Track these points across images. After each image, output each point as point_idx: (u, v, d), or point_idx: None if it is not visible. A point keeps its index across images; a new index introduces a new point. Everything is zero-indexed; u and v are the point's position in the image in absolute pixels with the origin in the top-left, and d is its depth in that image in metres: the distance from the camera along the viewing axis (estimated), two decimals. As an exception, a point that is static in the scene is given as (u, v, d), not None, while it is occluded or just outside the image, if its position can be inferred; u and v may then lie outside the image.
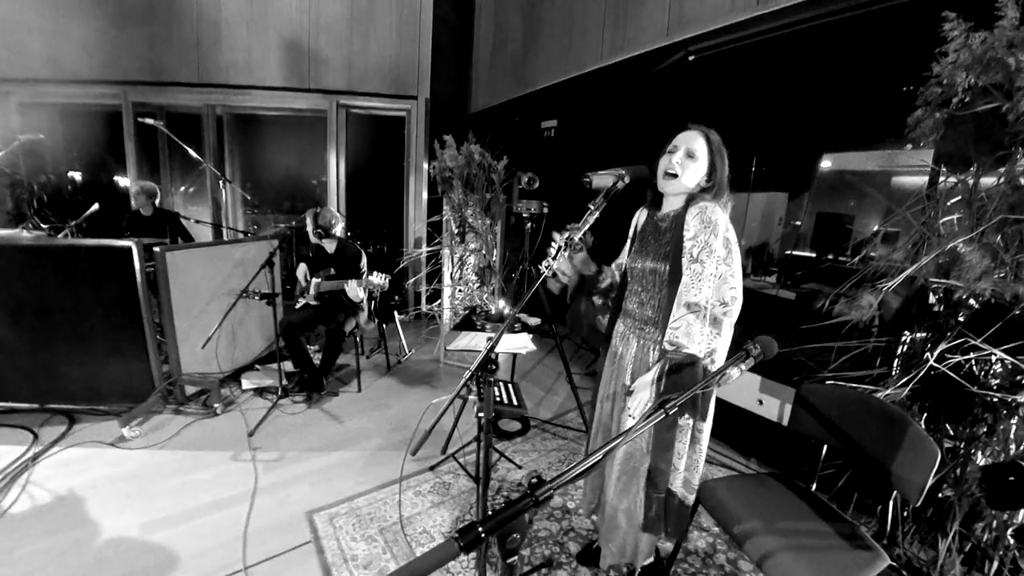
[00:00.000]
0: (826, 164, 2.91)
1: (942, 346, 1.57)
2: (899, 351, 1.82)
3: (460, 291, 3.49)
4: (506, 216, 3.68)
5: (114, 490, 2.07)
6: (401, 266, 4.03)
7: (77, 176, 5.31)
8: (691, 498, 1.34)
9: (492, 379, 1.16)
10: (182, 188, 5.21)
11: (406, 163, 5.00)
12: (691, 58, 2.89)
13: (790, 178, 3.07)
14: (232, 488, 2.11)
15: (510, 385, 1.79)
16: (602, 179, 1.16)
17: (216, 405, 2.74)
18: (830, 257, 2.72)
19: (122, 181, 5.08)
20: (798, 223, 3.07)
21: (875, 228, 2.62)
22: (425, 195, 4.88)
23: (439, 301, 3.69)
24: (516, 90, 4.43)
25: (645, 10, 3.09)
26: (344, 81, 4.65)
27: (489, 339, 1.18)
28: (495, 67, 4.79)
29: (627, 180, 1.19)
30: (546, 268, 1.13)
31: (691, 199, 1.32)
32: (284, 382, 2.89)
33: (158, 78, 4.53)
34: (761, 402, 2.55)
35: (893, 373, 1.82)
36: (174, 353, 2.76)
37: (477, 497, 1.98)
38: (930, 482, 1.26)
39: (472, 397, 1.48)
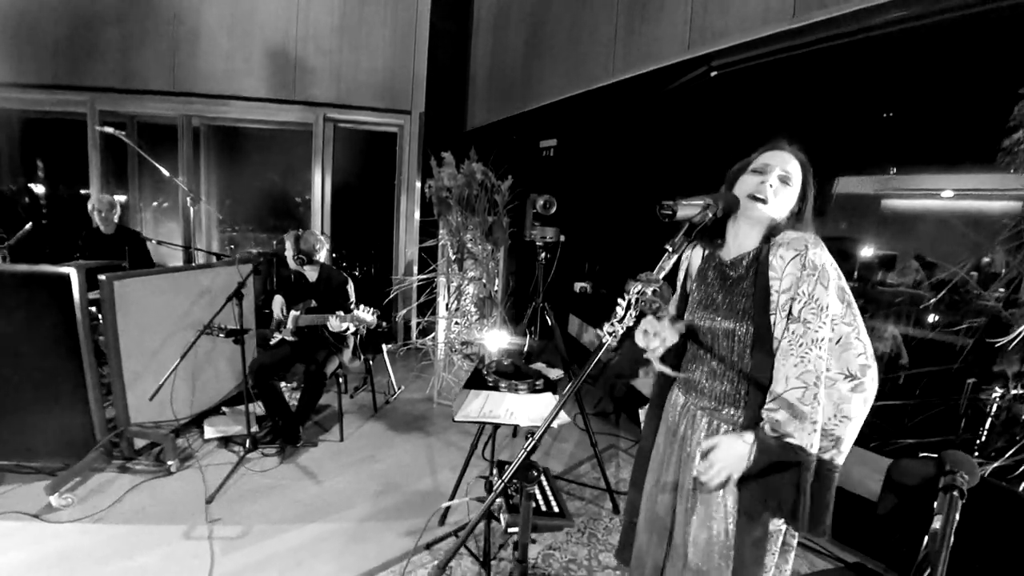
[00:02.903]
0: (858, 189, 2.69)
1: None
2: (989, 410, 1.55)
3: (457, 323, 3.15)
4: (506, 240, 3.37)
5: (28, 584, 1.64)
6: (391, 296, 3.66)
7: (39, 189, 4.89)
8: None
9: (532, 490, 0.82)
10: (154, 203, 4.81)
11: (397, 181, 4.69)
12: (713, 74, 2.67)
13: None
14: (180, 578, 1.71)
15: (542, 477, 1.45)
16: (686, 209, 0.85)
17: (170, 462, 2.31)
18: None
19: (91, 195, 4.67)
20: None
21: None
22: (417, 216, 4.55)
23: (433, 335, 3.33)
24: (515, 107, 4.18)
25: (663, 22, 2.87)
26: (332, 93, 4.34)
27: (530, 423, 0.84)
28: (494, 82, 4.55)
29: (719, 212, 0.89)
30: (609, 334, 0.81)
31: (771, 233, 1.02)
32: (254, 428, 2.49)
33: (129, 85, 4.17)
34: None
35: (981, 437, 1.55)
36: (121, 399, 2.34)
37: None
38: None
39: (501, 512, 1.13)
